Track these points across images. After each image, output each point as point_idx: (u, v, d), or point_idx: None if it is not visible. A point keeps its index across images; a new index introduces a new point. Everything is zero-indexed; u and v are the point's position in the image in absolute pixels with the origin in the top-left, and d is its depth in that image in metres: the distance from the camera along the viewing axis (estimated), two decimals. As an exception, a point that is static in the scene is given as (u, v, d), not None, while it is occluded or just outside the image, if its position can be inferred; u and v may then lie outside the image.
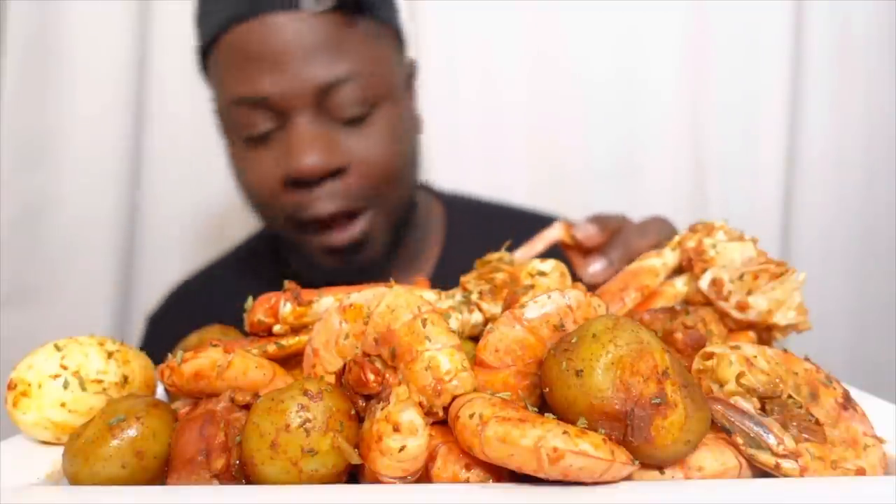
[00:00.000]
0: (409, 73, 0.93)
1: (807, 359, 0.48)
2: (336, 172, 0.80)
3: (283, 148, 0.80)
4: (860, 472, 0.43)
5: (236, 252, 1.11)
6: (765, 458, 0.42)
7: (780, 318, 0.56)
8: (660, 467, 0.41)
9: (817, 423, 0.44)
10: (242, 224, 1.36)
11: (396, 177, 0.86)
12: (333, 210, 0.81)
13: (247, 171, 0.84)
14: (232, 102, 0.81)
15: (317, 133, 0.79)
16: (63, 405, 0.48)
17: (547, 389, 0.42)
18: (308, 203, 0.81)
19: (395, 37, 0.88)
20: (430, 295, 0.55)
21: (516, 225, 1.05)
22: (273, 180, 0.81)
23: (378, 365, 0.44)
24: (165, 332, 0.85)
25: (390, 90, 0.84)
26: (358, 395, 0.44)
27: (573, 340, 0.42)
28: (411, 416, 0.41)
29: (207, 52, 0.85)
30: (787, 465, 0.42)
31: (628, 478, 0.39)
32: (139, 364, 0.54)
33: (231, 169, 0.89)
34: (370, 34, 0.82)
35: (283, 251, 0.94)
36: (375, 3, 0.83)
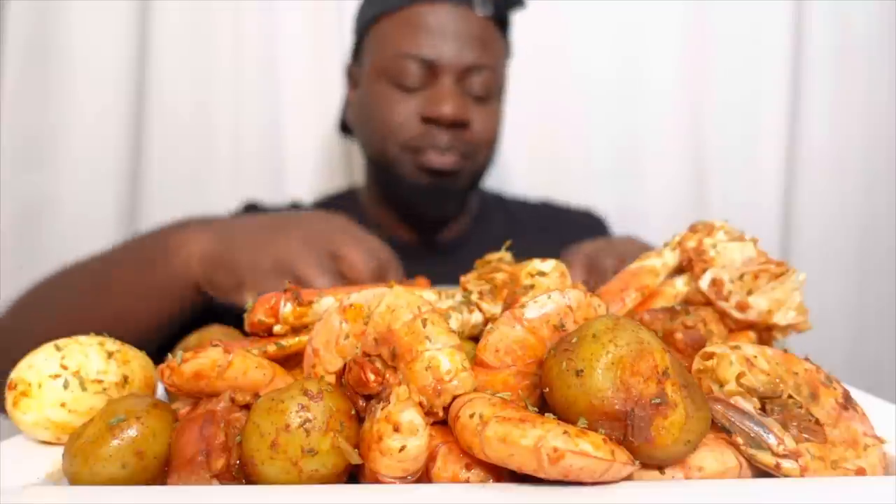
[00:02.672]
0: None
1: (807, 359, 0.48)
2: (461, 125, 1.04)
3: (427, 96, 1.04)
4: (860, 472, 0.43)
5: (321, 203, 1.26)
6: (765, 458, 0.42)
7: (780, 318, 0.56)
8: (660, 467, 0.41)
9: (817, 423, 0.44)
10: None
11: (493, 147, 1.11)
12: (452, 145, 1.05)
13: (391, 108, 1.06)
14: (399, 56, 1.04)
15: (457, 94, 1.04)
16: (63, 405, 0.48)
17: (547, 389, 0.42)
18: (435, 134, 1.04)
19: (509, 52, 1.15)
20: (430, 295, 0.55)
21: (529, 209, 1.27)
22: (413, 116, 1.05)
23: (378, 365, 0.44)
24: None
25: (501, 89, 1.11)
26: (358, 395, 0.44)
27: (573, 340, 0.42)
28: (411, 416, 0.41)
29: (381, 17, 1.07)
30: (787, 465, 0.42)
31: (628, 478, 0.39)
32: (139, 364, 0.54)
33: (366, 110, 1.10)
34: (501, 44, 1.10)
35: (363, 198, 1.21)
36: (510, 26, 1.12)
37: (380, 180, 1.15)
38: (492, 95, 1.07)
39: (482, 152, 1.09)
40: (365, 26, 1.11)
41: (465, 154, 1.06)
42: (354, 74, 1.15)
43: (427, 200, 1.10)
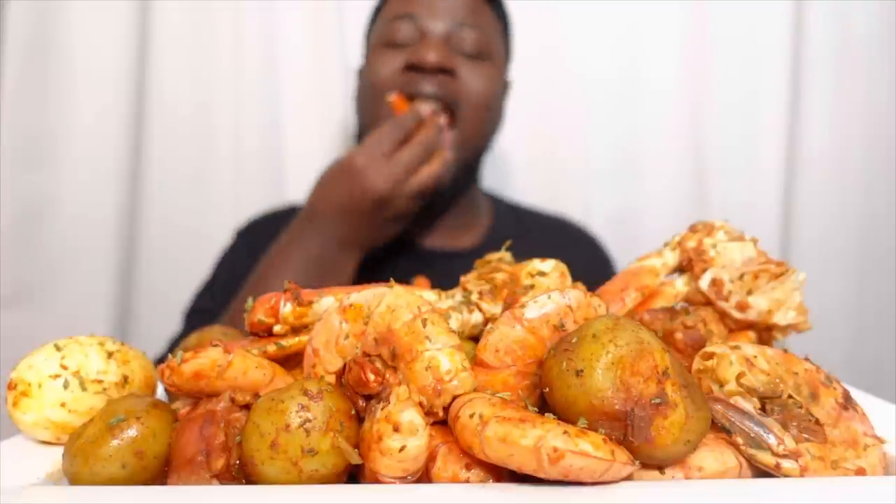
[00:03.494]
0: (505, 84, 1.17)
1: (807, 359, 0.48)
2: (447, 72, 1.02)
3: (414, 48, 1.04)
4: (860, 472, 0.43)
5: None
6: (765, 458, 0.42)
7: (780, 318, 0.56)
8: (660, 467, 0.41)
9: (817, 423, 0.44)
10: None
11: (483, 112, 1.07)
12: (433, 92, 1.03)
13: (377, 65, 1.07)
14: (391, 19, 1.07)
15: (443, 44, 1.04)
16: (63, 405, 0.48)
17: (547, 389, 0.42)
18: (417, 81, 1.03)
19: (505, 43, 1.15)
20: (430, 295, 0.55)
21: (544, 225, 1.25)
22: (396, 67, 1.04)
23: (378, 365, 0.44)
24: (254, 240, 1.14)
25: (496, 59, 1.10)
26: (358, 395, 0.44)
27: (573, 340, 0.42)
28: (411, 416, 0.41)
29: (381, 8, 1.12)
30: (787, 465, 0.42)
31: (628, 478, 0.39)
32: (139, 364, 0.54)
33: (360, 81, 1.12)
34: (490, 17, 1.10)
35: None
36: (500, 4, 1.12)
37: None
38: (483, 56, 1.06)
39: (472, 109, 1.05)
40: (373, 18, 1.15)
41: (451, 105, 1.03)
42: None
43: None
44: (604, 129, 1.41)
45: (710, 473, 0.41)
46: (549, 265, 0.56)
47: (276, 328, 0.53)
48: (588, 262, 1.18)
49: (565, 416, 0.40)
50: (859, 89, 1.37)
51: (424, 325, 0.43)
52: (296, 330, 0.53)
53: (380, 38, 1.09)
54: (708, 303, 0.57)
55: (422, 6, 1.06)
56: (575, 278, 0.57)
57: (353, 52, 1.26)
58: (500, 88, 1.12)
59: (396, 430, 0.40)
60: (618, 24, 1.39)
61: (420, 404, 0.42)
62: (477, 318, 0.54)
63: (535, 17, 1.36)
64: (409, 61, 1.03)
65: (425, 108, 1.01)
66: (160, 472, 0.45)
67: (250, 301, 0.55)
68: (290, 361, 0.53)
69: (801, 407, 0.45)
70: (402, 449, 0.40)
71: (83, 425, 0.46)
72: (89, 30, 1.32)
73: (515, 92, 1.29)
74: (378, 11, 1.14)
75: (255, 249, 1.04)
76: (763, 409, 0.45)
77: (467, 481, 0.41)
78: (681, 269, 0.60)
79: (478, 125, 1.07)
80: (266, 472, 0.41)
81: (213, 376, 0.47)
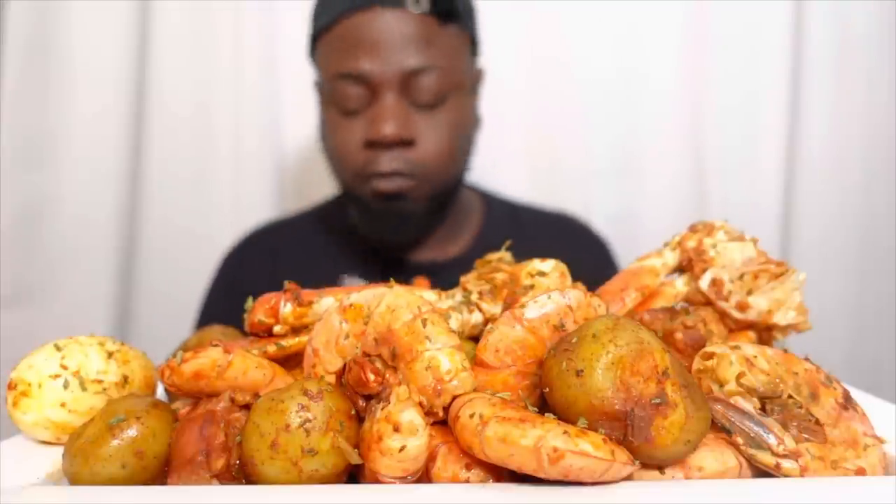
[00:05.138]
0: (476, 78, 1.10)
1: (807, 359, 0.48)
2: (406, 143, 0.97)
3: (369, 118, 0.97)
4: (860, 472, 0.43)
5: (314, 211, 1.23)
6: (765, 458, 0.42)
7: (780, 318, 0.56)
8: (660, 467, 0.41)
9: (817, 423, 0.44)
10: (242, 225, 1.36)
11: (449, 160, 1.02)
12: (396, 168, 0.98)
13: (336, 136, 1.01)
14: (337, 77, 0.98)
15: (398, 109, 0.96)
16: (63, 405, 0.48)
17: (547, 389, 0.42)
18: (376, 159, 0.98)
19: (471, 44, 1.06)
20: (430, 295, 0.55)
21: (543, 225, 1.20)
22: (356, 142, 0.99)
23: (378, 365, 0.44)
24: (239, 272, 1.12)
25: (460, 87, 1.02)
26: (358, 395, 0.44)
27: (573, 340, 0.42)
28: (411, 416, 0.41)
29: (319, 36, 1.02)
30: (787, 465, 0.42)
31: (628, 478, 0.39)
32: (139, 364, 0.54)
33: (321, 134, 1.06)
34: (452, 38, 1.00)
35: (349, 211, 1.11)
36: (462, 14, 1.00)
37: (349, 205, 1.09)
38: (445, 98, 0.99)
39: (433, 169, 1.00)
40: (311, 50, 1.06)
41: (412, 174, 0.99)
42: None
43: (385, 226, 1.04)
44: (603, 129, 1.40)
45: (710, 473, 0.41)
46: (549, 265, 0.56)
47: (276, 328, 0.53)
48: (589, 259, 1.15)
49: (565, 416, 0.40)
50: (859, 89, 1.37)
51: (424, 325, 0.43)
52: (296, 330, 0.54)
53: (331, 98, 1.00)
54: (708, 303, 0.57)
55: (368, 60, 0.95)
56: (576, 277, 0.57)
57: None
58: (466, 125, 1.05)
59: (396, 430, 0.40)
60: (618, 24, 1.38)
61: (420, 404, 0.42)
62: (477, 318, 0.54)
63: (535, 17, 1.36)
64: (366, 139, 0.97)
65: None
66: (160, 472, 0.45)
67: (250, 301, 0.55)
68: (290, 361, 0.53)
69: (801, 407, 0.45)
70: (402, 449, 0.40)
71: (83, 425, 0.46)
72: (89, 30, 1.32)
73: (515, 92, 1.29)
74: (316, 42, 1.03)
75: (241, 282, 1.01)
76: (763, 409, 0.45)
77: (467, 481, 0.41)
78: (681, 269, 0.60)
79: (440, 176, 1.02)
80: (266, 472, 0.41)
81: (213, 376, 0.47)
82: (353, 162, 1.00)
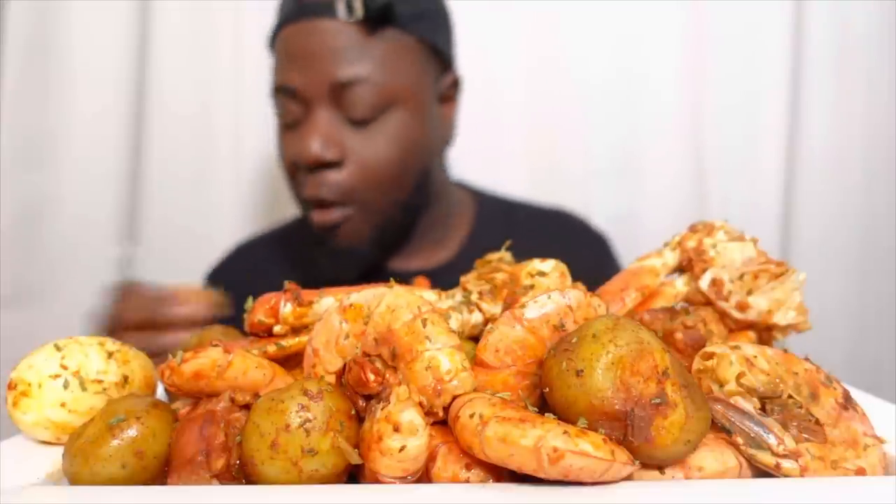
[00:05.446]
0: (446, 88, 1.01)
1: (807, 359, 0.48)
2: (332, 164, 0.91)
3: (299, 136, 0.92)
4: (860, 472, 0.43)
5: (295, 223, 1.18)
6: (765, 458, 0.42)
7: (780, 318, 0.56)
8: (660, 467, 0.41)
9: (817, 423, 0.44)
10: (242, 225, 1.36)
11: (389, 180, 0.94)
12: (323, 196, 0.92)
13: (281, 148, 0.97)
14: (275, 91, 0.95)
15: (325, 127, 0.90)
16: (63, 405, 0.48)
17: (547, 389, 0.42)
18: (306, 183, 0.93)
19: (428, 52, 0.97)
20: (430, 295, 0.55)
21: (541, 223, 1.16)
22: (290, 160, 0.95)
23: (378, 365, 0.44)
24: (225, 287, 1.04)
25: (403, 100, 0.93)
26: (358, 395, 0.44)
27: (573, 340, 0.42)
28: (411, 416, 0.41)
29: (270, 49, 1.00)
30: (787, 465, 0.42)
31: (628, 478, 0.39)
32: (139, 364, 0.54)
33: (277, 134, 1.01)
34: (394, 46, 0.92)
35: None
36: (404, 19, 0.92)
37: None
38: (383, 113, 0.91)
39: (368, 195, 0.92)
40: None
41: (345, 202, 0.92)
42: None
43: (329, 259, 0.97)
44: (603, 129, 1.40)
45: (710, 473, 0.41)
46: (549, 265, 0.56)
47: (276, 328, 0.53)
48: (588, 255, 1.12)
49: (565, 416, 0.40)
50: (859, 89, 1.37)
51: (424, 325, 0.43)
52: (296, 330, 0.54)
53: (277, 111, 0.96)
54: (708, 303, 0.57)
55: (298, 72, 0.90)
56: (575, 273, 0.57)
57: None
58: (413, 140, 0.95)
59: (396, 430, 0.40)
60: (617, 25, 1.38)
61: (420, 404, 0.42)
62: (477, 318, 0.54)
63: (536, 17, 1.36)
64: (293, 161, 0.92)
65: None
66: (160, 472, 0.45)
67: (250, 301, 0.55)
68: (290, 361, 0.53)
69: (801, 407, 0.45)
70: (402, 449, 0.40)
71: (83, 425, 0.46)
72: (89, 30, 1.32)
73: (516, 93, 1.29)
74: (273, 41, 0.98)
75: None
76: (763, 409, 0.45)
77: (467, 481, 0.41)
78: (681, 269, 0.60)
79: (379, 203, 0.94)
80: (266, 472, 0.41)
81: (213, 376, 0.47)
82: (294, 185, 0.96)
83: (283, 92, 0.93)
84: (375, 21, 0.90)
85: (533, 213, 1.18)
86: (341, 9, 0.88)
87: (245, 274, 1.08)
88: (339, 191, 0.92)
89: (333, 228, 0.93)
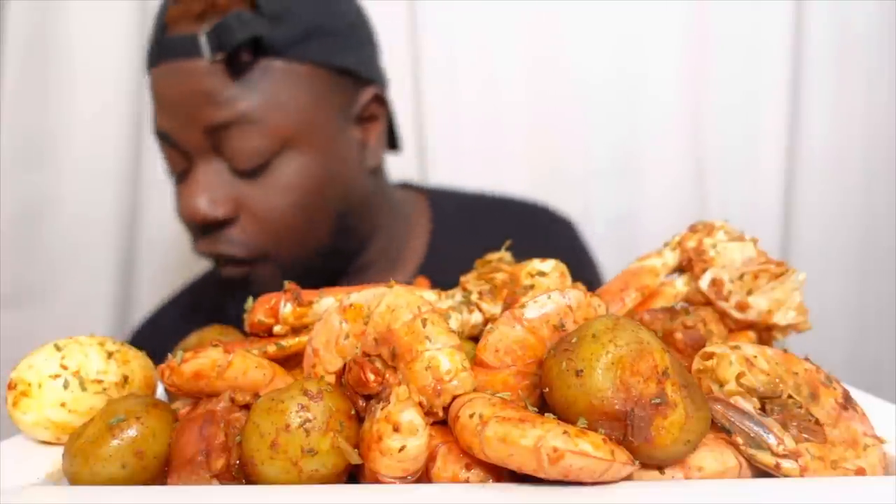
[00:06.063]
0: (363, 107, 0.89)
1: (807, 359, 0.48)
2: (224, 223, 0.82)
3: (185, 191, 0.82)
4: (860, 472, 0.43)
5: (202, 279, 1.10)
6: (765, 458, 0.42)
7: (780, 318, 0.56)
8: (660, 467, 0.41)
9: (817, 423, 0.44)
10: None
11: (295, 231, 0.84)
12: (222, 252, 0.83)
13: (176, 202, 0.86)
14: (157, 137, 0.85)
15: (208, 181, 0.81)
16: (63, 405, 0.48)
17: (547, 389, 0.42)
18: (202, 239, 0.85)
19: (329, 76, 0.84)
20: (430, 295, 0.55)
21: (503, 214, 1.08)
22: (182, 215, 0.85)
23: (378, 365, 0.44)
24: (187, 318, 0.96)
25: (300, 138, 0.82)
26: (358, 395, 0.44)
27: (573, 340, 0.42)
28: (411, 416, 0.41)
29: None
30: (787, 465, 0.42)
31: (628, 478, 0.39)
32: (139, 364, 0.54)
33: None
34: (277, 79, 0.80)
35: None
36: (285, 47, 0.80)
37: None
38: (276, 156, 0.80)
39: (272, 248, 0.83)
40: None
41: (248, 257, 0.83)
42: None
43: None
44: (603, 129, 1.40)
45: (710, 473, 0.41)
46: (549, 265, 0.56)
47: (276, 328, 0.53)
48: (554, 240, 1.06)
49: (565, 416, 0.40)
50: (859, 89, 1.37)
51: (424, 325, 0.43)
52: (296, 330, 0.54)
53: (163, 158, 0.87)
54: (708, 303, 0.57)
55: (167, 118, 0.81)
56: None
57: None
58: (316, 182, 0.83)
59: (396, 430, 0.40)
60: (618, 25, 1.39)
61: (420, 404, 0.42)
62: (477, 318, 0.54)
63: (535, 18, 1.36)
64: (183, 219, 0.84)
65: None
66: (160, 472, 0.45)
67: (250, 301, 0.55)
68: (290, 361, 0.53)
69: (801, 407, 0.45)
70: (402, 449, 0.40)
71: (83, 425, 0.46)
72: (89, 30, 1.32)
73: (516, 93, 1.29)
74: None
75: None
76: (763, 409, 0.45)
77: (467, 481, 0.41)
78: (681, 269, 0.60)
79: (289, 251, 0.84)
80: (266, 472, 0.41)
81: (213, 376, 0.47)
82: (192, 240, 0.86)
83: (162, 139, 0.83)
84: (244, 57, 0.78)
85: (491, 205, 1.09)
86: (204, 46, 0.77)
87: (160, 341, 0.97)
88: (239, 246, 0.83)
89: (243, 282, 0.84)
